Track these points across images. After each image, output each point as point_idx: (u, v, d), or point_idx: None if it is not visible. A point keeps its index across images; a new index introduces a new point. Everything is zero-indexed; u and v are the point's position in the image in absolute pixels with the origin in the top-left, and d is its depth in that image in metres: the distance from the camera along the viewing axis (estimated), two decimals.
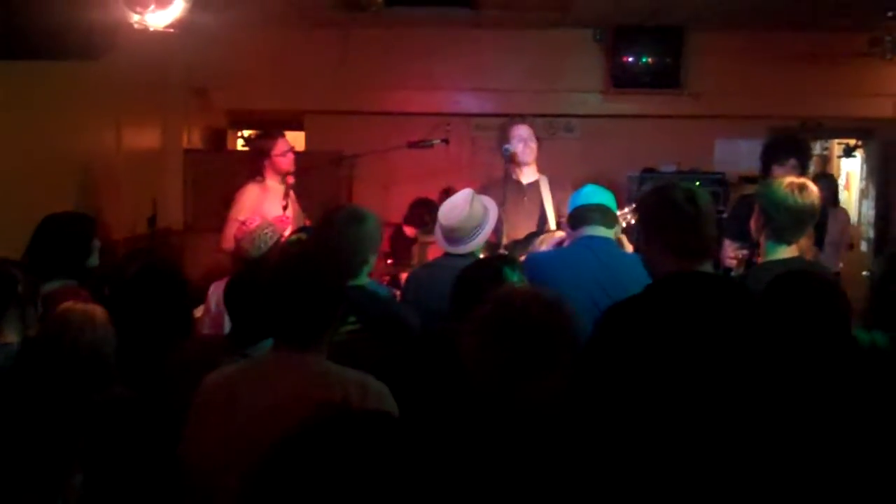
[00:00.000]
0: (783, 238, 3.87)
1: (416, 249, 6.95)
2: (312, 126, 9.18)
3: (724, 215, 7.03)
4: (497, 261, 3.67)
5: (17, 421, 2.96)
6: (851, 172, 10.66)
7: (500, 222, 4.78)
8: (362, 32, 8.50)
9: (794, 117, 8.70)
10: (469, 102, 8.68)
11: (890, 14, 7.00)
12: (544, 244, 4.63)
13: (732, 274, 4.92)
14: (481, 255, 4.35)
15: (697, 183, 7.74)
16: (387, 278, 5.93)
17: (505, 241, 5.10)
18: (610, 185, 4.32)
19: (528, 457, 2.11)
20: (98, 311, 3.31)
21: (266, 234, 4.69)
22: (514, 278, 3.51)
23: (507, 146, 5.49)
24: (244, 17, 7.36)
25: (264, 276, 2.98)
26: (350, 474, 1.46)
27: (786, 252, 3.87)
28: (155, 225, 7.15)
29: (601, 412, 2.79)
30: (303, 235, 4.89)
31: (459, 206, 4.33)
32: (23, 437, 2.87)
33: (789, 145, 5.50)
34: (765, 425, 2.68)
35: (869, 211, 9.62)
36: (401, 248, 7.25)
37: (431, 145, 6.66)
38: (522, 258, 4.24)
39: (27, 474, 2.81)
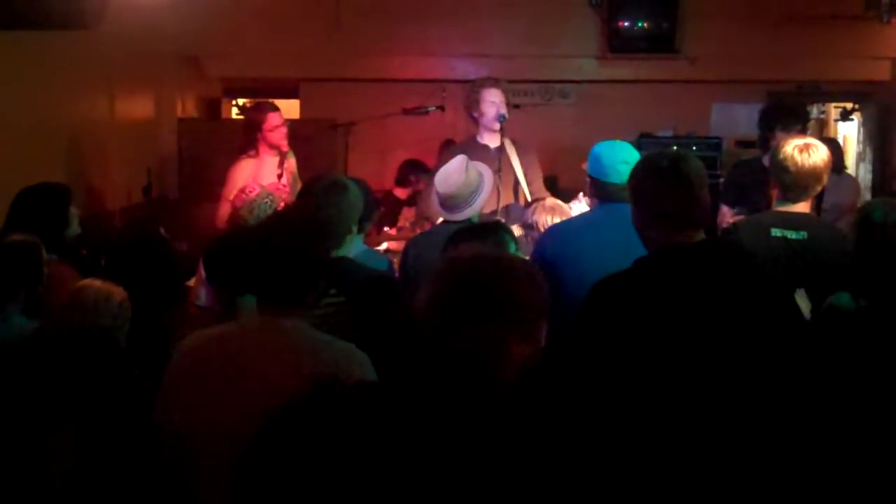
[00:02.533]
0: (789, 197, 3.92)
1: (405, 212, 6.94)
2: (307, 94, 9.14)
3: (721, 180, 7.04)
4: (490, 228, 3.66)
5: (17, 395, 2.97)
6: (848, 136, 10.63)
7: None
8: None
9: (791, 81, 8.68)
10: (464, 68, 8.63)
11: None
12: (538, 213, 4.59)
13: None
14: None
15: (694, 147, 7.73)
16: (388, 246, 5.91)
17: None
18: None
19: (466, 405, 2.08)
20: (116, 291, 3.30)
21: (265, 202, 4.66)
22: (511, 249, 3.50)
23: (503, 113, 5.46)
24: None
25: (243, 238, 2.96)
26: (348, 447, 1.47)
27: (791, 209, 3.93)
28: (150, 194, 7.14)
29: (586, 388, 2.77)
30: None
31: (455, 172, 4.32)
32: (19, 409, 2.88)
33: (797, 111, 5.49)
34: (760, 408, 2.66)
35: (866, 175, 9.60)
36: (392, 211, 7.25)
37: (427, 112, 6.65)
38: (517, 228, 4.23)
39: (16, 444, 2.83)
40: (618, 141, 4.02)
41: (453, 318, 2.08)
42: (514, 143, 5.51)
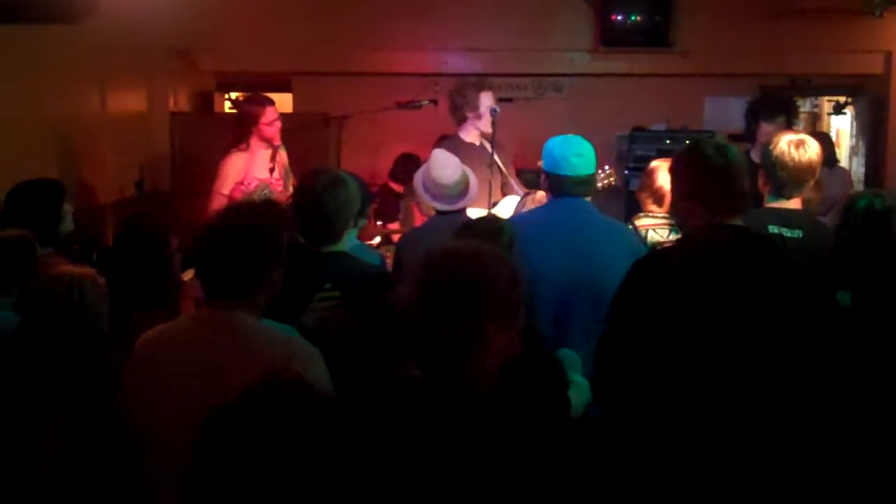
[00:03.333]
0: (783, 194, 3.93)
1: (402, 205, 6.93)
2: (300, 87, 9.12)
3: None
4: (496, 222, 3.66)
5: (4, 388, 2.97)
6: (841, 130, 10.64)
7: None
8: None
9: (784, 75, 8.68)
10: (457, 62, 8.60)
11: None
12: (527, 206, 4.60)
13: None
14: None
15: (686, 141, 7.70)
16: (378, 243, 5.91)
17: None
18: (599, 145, 4.22)
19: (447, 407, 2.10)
20: (88, 273, 3.30)
21: (264, 195, 4.67)
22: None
23: (493, 107, 5.47)
24: None
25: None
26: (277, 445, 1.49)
27: (786, 205, 3.92)
28: (143, 189, 7.12)
29: (621, 361, 2.80)
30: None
31: (451, 162, 4.35)
32: (6, 402, 2.87)
33: (779, 103, 5.51)
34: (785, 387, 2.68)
35: (859, 168, 9.61)
36: (388, 205, 7.23)
37: (420, 106, 6.65)
38: None
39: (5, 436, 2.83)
40: (571, 135, 4.01)
41: (435, 311, 2.09)
42: (490, 141, 5.52)
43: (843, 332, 2.87)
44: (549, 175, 3.96)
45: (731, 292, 2.73)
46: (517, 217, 4.34)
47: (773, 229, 3.82)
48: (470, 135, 5.57)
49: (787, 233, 3.81)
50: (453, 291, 2.10)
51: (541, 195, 4.66)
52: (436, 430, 2.01)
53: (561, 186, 3.92)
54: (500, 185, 5.47)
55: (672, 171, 3.15)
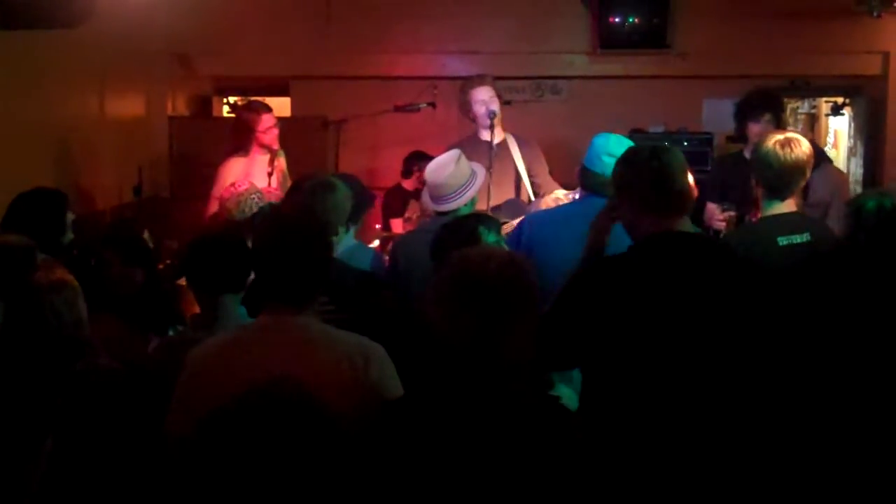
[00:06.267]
0: (774, 194, 3.90)
1: (413, 204, 6.92)
2: (298, 91, 9.11)
3: None
4: (472, 220, 3.68)
5: None
6: (839, 131, 10.63)
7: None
8: None
9: (782, 76, 8.67)
10: (455, 65, 8.59)
11: None
12: (541, 206, 4.62)
13: (721, 235, 4.90)
14: None
15: (685, 143, 7.71)
16: (379, 245, 5.90)
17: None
18: None
19: (510, 416, 2.11)
20: (66, 278, 3.30)
21: (252, 199, 4.68)
22: (491, 239, 3.52)
23: (493, 109, 5.49)
24: None
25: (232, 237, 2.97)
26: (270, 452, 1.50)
27: (781, 207, 3.90)
28: (141, 194, 7.12)
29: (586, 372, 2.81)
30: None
31: (446, 163, 4.37)
32: None
33: (761, 100, 5.52)
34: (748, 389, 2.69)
35: (857, 169, 9.60)
36: (395, 201, 7.21)
37: (418, 109, 6.66)
38: (505, 224, 4.25)
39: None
40: (617, 134, 4.05)
41: (482, 330, 2.10)
42: (515, 137, 5.56)
43: (795, 330, 2.88)
44: (582, 169, 4.04)
45: (685, 301, 2.73)
46: (534, 214, 4.39)
47: (782, 241, 3.77)
48: (483, 134, 5.58)
49: (796, 239, 3.77)
50: (501, 313, 2.14)
51: (555, 195, 4.71)
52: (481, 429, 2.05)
53: (588, 181, 4.01)
54: (512, 187, 5.48)
55: (614, 184, 3.13)
